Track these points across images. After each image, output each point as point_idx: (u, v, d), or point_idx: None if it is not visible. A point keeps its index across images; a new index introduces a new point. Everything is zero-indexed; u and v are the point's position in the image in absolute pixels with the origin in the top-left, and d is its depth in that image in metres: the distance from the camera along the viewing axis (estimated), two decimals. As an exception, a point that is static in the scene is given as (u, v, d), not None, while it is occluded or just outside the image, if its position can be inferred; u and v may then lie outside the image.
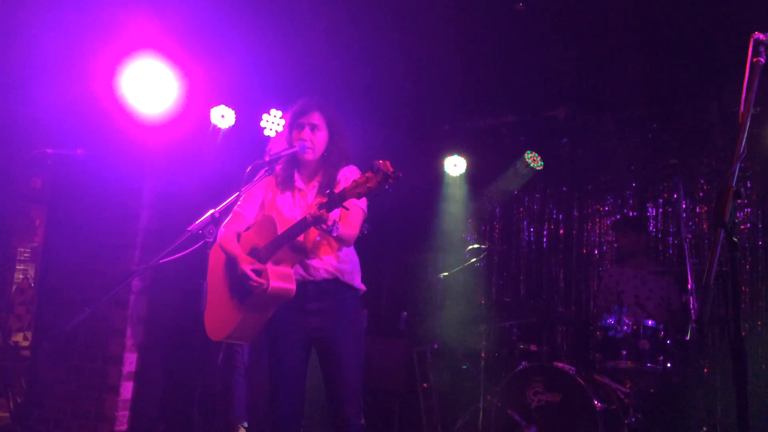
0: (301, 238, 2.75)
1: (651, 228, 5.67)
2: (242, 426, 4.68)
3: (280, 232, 2.69)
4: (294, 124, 2.97)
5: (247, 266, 2.72)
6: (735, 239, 1.53)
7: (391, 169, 2.38)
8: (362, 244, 4.83)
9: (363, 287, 2.99)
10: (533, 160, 6.01)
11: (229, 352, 4.77)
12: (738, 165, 1.64)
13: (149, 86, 4.66)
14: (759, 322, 5.09)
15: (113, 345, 5.04)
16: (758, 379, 4.81)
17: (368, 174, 2.43)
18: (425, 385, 5.25)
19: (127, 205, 5.21)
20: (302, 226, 2.63)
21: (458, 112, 6.12)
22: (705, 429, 4.32)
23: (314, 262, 2.83)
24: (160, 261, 2.55)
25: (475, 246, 5.45)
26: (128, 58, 4.56)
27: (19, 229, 7.76)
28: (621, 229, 5.24)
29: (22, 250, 8.02)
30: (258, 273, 2.70)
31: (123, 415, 4.99)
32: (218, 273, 3.00)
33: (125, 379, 5.02)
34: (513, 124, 6.11)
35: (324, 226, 2.58)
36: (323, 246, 2.84)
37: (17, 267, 7.89)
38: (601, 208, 6.04)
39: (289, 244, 2.70)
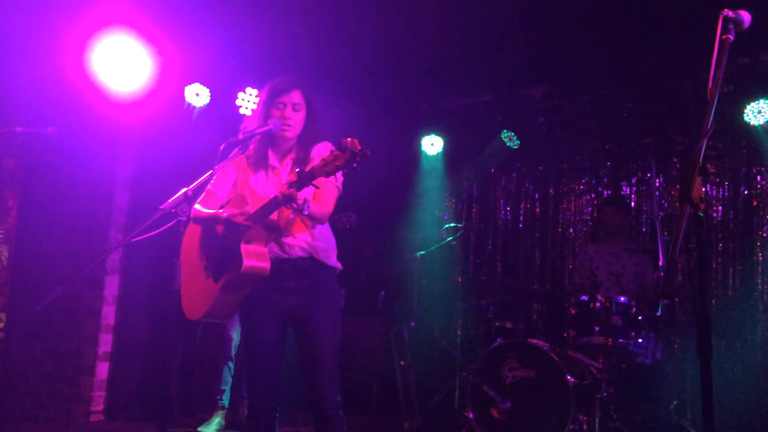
0: (274, 216, 2.73)
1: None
2: (222, 407, 4.69)
3: (251, 211, 2.67)
4: (272, 103, 2.92)
5: (225, 213, 2.69)
6: (701, 215, 1.55)
7: (359, 147, 2.37)
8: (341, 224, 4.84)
9: (339, 265, 2.98)
10: (509, 139, 6.03)
11: (220, 339, 4.76)
12: (705, 141, 1.66)
13: (121, 63, 4.59)
14: (730, 304, 5.19)
15: (88, 326, 5.01)
16: (732, 353, 4.93)
17: (336, 152, 2.42)
18: (402, 362, 5.30)
19: (101, 185, 5.16)
20: (272, 205, 2.62)
21: (436, 91, 6.11)
22: (675, 403, 4.42)
23: (288, 240, 2.82)
24: (132, 240, 2.53)
25: (452, 225, 5.48)
26: (99, 34, 4.48)
27: (-8, 210, 7.63)
28: (615, 206, 5.15)
29: (-5, 231, 7.89)
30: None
31: (99, 396, 4.97)
32: (193, 252, 2.98)
33: (101, 360, 5.00)
34: (490, 104, 6.13)
35: (294, 205, 2.57)
36: (297, 224, 2.83)
37: (-10, 248, 7.77)
38: (577, 187, 6.10)
39: (261, 222, 2.68)
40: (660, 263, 4.35)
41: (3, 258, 7.81)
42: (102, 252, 4.70)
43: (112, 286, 5.10)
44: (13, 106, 4.91)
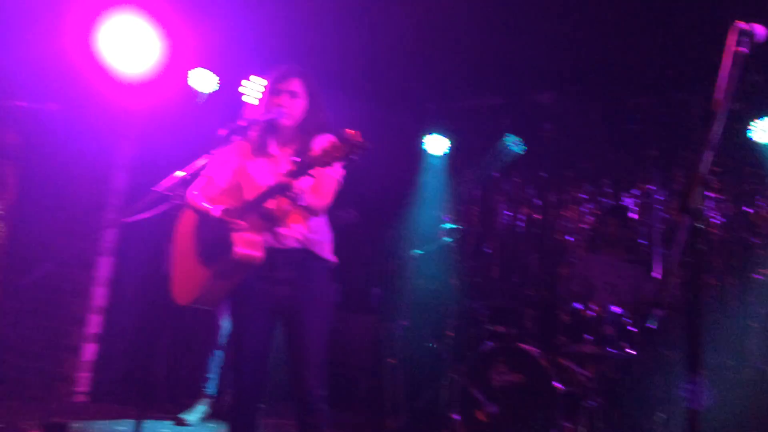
0: (271, 205, 2.71)
1: (625, 217, 5.69)
2: (207, 395, 4.67)
3: (248, 198, 2.65)
4: (272, 90, 2.91)
5: (219, 211, 2.67)
6: (700, 226, 1.53)
7: (360, 140, 2.35)
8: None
9: (334, 259, 2.96)
10: (514, 143, 5.99)
11: (209, 326, 4.73)
12: (709, 153, 1.63)
13: (128, 43, 4.55)
14: (724, 319, 5.16)
15: (78, 306, 4.99)
16: (724, 369, 4.90)
17: (336, 143, 2.40)
18: (392, 361, 5.27)
19: (100, 166, 5.13)
20: (269, 193, 2.60)
21: (443, 91, 6.07)
22: (662, 416, 4.39)
23: (283, 230, 2.79)
24: (123, 220, 2.51)
25: (451, 226, 5.44)
26: (107, 11, 4.44)
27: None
28: (616, 216, 5.16)
29: (-4, 206, 7.89)
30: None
31: (84, 377, 4.95)
32: (187, 236, 2.95)
33: (88, 341, 4.98)
34: (497, 107, 6.09)
35: (290, 194, 2.54)
36: (293, 214, 2.79)
37: (-10, 224, 7.77)
38: (578, 195, 6.06)
39: (257, 210, 2.66)
40: (657, 275, 4.32)
41: (2, 234, 7.78)
42: (92, 231, 4.67)
43: (104, 268, 5.07)
44: (15, 82, 4.87)
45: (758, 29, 1.89)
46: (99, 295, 5.03)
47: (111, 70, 4.65)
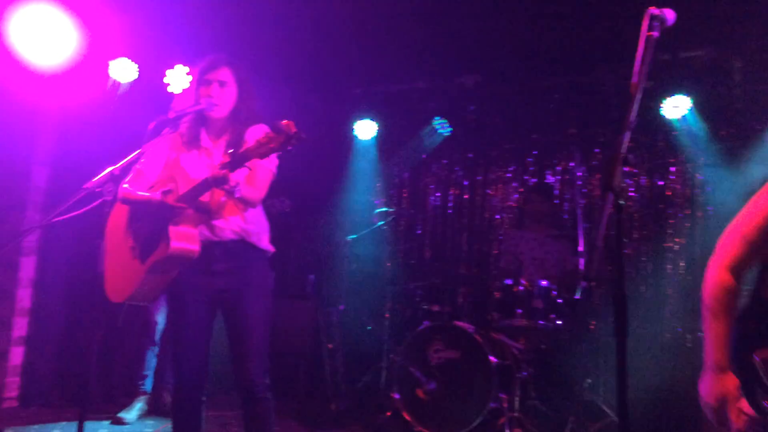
0: (206, 198, 2.69)
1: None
2: (144, 393, 4.60)
3: (182, 192, 2.62)
4: (201, 80, 2.87)
5: (159, 195, 2.63)
6: (622, 202, 1.64)
7: (294, 130, 2.37)
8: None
9: (271, 248, 2.97)
10: (441, 126, 6.11)
11: (144, 323, 4.64)
12: (628, 133, 1.74)
13: (42, 34, 4.35)
14: (642, 288, 5.47)
15: (1, 309, 4.79)
16: (643, 333, 5.20)
17: (271, 134, 2.40)
18: (330, 345, 5.32)
19: (17, 162, 4.91)
20: (204, 186, 2.58)
21: (370, 76, 6.10)
22: (589, 381, 4.64)
23: (219, 223, 2.78)
24: (53, 220, 2.43)
25: (383, 209, 5.52)
26: (18, 1, 4.23)
27: None
28: (541, 194, 5.36)
29: None
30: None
31: (13, 382, 4.77)
32: (119, 232, 2.89)
33: (15, 344, 4.79)
34: (423, 90, 6.17)
35: (226, 187, 2.54)
36: (228, 206, 2.78)
37: None
38: (504, 175, 6.25)
39: (192, 203, 2.63)
40: (580, 249, 4.53)
41: None
42: (20, 232, 4.48)
43: (27, 268, 4.88)
44: None
45: (668, 14, 2.02)
46: (24, 297, 4.84)
47: (24, 62, 4.44)
